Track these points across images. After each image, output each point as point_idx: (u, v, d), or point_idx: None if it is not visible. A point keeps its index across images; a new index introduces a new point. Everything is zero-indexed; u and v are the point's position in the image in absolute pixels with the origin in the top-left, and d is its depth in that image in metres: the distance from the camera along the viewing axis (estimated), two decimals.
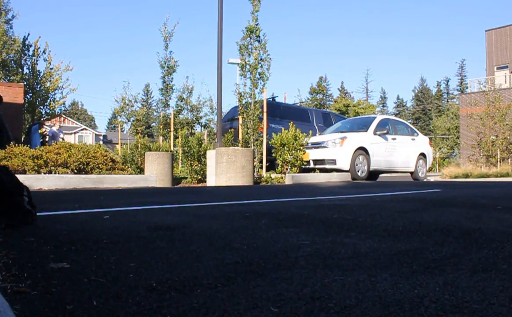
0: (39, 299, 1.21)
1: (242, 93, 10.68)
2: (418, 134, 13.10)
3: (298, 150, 10.26)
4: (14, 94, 13.78)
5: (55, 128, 15.18)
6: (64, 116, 25.06)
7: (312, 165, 11.09)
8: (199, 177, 10.36)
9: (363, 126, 11.93)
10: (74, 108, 68.16)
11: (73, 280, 1.41)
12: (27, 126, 14.23)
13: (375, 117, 12.45)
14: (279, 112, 13.31)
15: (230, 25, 24.60)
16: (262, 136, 10.67)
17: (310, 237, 2.21)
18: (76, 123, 58.96)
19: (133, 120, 15.41)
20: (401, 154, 11.98)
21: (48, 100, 18.28)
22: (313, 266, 1.61)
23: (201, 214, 3.23)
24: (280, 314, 1.11)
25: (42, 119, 18.37)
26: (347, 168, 10.71)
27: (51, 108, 18.42)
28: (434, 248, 1.96)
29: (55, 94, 18.44)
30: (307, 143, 10.69)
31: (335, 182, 9.82)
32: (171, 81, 13.90)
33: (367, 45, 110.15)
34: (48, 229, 2.44)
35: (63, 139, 14.35)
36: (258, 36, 10.52)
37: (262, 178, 9.77)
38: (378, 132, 11.48)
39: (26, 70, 18.10)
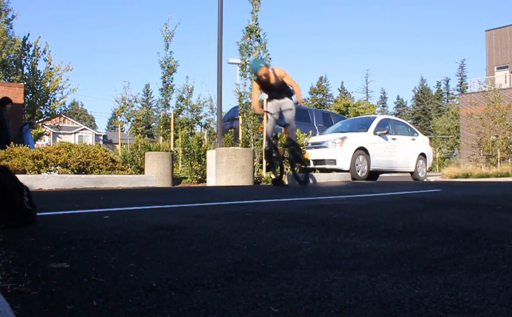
0: (39, 299, 1.20)
1: (242, 93, 10.68)
2: (418, 135, 13.10)
3: None
4: (14, 94, 13.76)
5: None
6: (64, 116, 24.97)
7: (312, 165, 11.10)
8: (199, 177, 10.35)
9: (363, 126, 11.93)
10: (74, 108, 68.11)
11: (73, 280, 1.41)
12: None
13: (375, 117, 12.46)
14: None
15: (230, 25, 24.57)
16: (262, 136, 10.67)
17: (310, 237, 2.21)
18: (76, 123, 58.99)
19: (133, 120, 15.41)
20: (401, 154, 11.98)
21: (48, 100, 18.23)
22: (313, 266, 1.61)
23: (201, 214, 3.23)
24: (280, 314, 1.11)
25: (42, 119, 18.34)
26: (347, 168, 10.71)
27: (51, 108, 18.38)
28: (434, 248, 1.95)
29: (55, 94, 18.39)
30: (307, 143, 10.69)
31: (335, 182, 9.82)
32: (171, 81, 13.91)
33: (367, 45, 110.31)
34: (48, 229, 2.44)
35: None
36: (258, 36, 10.51)
37: (262, 178, 9.77)
38: (378, 132, 11.49)
39: (26, 70, 18.06)
